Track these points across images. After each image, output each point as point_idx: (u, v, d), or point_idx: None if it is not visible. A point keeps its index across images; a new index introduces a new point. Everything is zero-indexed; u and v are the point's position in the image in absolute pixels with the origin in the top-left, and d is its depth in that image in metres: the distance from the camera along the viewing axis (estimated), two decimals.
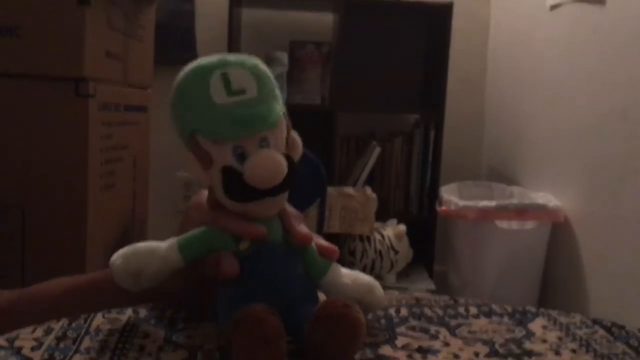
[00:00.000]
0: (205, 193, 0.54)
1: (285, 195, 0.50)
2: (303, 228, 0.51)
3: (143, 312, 0.56)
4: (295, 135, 0.52)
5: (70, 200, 1.14)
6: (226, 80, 0.48)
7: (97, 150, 1.19)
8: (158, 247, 0.49)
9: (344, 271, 0.54)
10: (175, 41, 2.45)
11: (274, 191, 0.48)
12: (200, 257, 0.50)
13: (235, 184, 0.47)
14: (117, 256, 0.49)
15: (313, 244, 0.52)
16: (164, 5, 2.16)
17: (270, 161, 0.47)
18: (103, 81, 1.20)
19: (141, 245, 0.50)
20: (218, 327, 0.51)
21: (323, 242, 0.52)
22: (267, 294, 0.48)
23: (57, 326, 0.52)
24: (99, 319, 0.54)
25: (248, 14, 2.49)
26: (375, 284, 0.55)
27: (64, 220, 1.13)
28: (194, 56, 2.25)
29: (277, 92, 0.51)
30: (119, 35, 1.30)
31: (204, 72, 0.48)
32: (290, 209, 0.52)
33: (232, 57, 0.50)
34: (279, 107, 0.50)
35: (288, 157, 0.49)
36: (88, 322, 0.53)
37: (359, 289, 0.53)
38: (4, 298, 0.61)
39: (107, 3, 1.22)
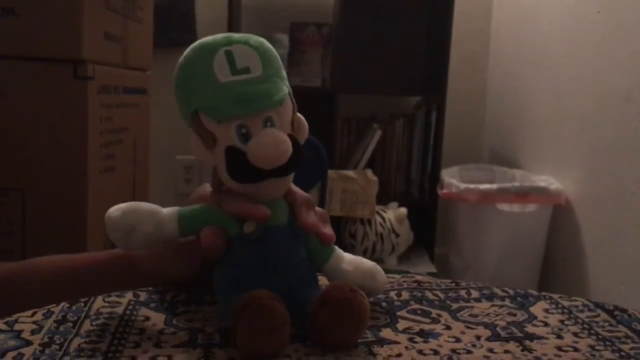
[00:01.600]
0: (207, 186, 0.53)
1: (291, 177, 0.50)
2: (310, 217, 0.50)
3: (143, 296, 0.56)
4: (300, 116, 0.51)
5: (70, 183, 1.13)
6: (230, 59, 0.47)
7: (97, 132, 1.18)
8: (158, 211, 0.49)
9: (347, 257, 0.54)
10: (175, 23, 2.42)
11: (279, 172, 0.47)
12: (196, 232, 0.49)
13: (239, 165, 0.47)
14: (116, 208, 0.49)
15: None
16: None
17: (275, 140, 0.46)
18: (102, 63, 1.19)
19: (142, 204, 0.49)
20: (219, 309, 0.51)
21: (322, 227, 0.51)
22: (271, 277, 0.48)
23: (57, 309, 0.52)
24: (99, 302, 0.54)
25: None
26: (378, 269, 0.55)
27: (64, 203, 1.13)
28: (194, 38, 2.23)
29: (283, 72, 0.50)
30: (117, 17, 1.29)
31: (209, 50, 0.48)
32: (300, 193, 0.52)
33: (237, 36, 0.49)
34: (285, 87, 0.49)
35: (293, 139, 0.48)
36: (88, 306, 0.53)
37: (361, 274, 0.53)
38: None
39: None
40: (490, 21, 2.62)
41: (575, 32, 1.95)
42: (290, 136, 0.47)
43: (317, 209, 0.53)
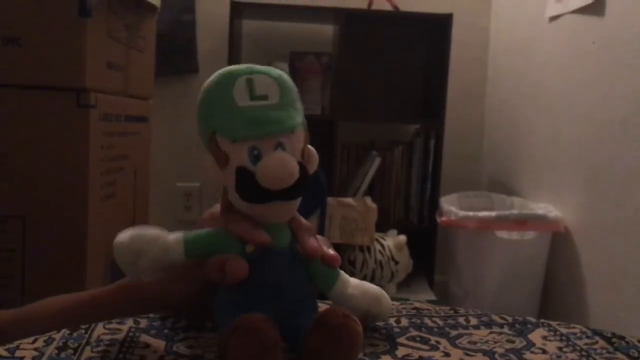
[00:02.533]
0: (218, 206, 0.54)
1: (297, 202, 0.51)
2: (313, 241, 0.51)
3: (144, 323, 0.56)
4: (312, 149, 0.53)
5: (71, 210, 1.14)
6: (250, 86, 0.50)
7: (98, 160, 1.19)
8: (164, 236, 0.50)
9: (352, 281, 0.54)
10: (177, 51, 2.46)
11: (285, 194, 0.48)
12: (203, 256, 0.50)
13: (248, 184, 0.48)
14: (124, 234, 0.49)
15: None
16: (165, 15, 2.17)
17: (282, 162, 0.48)
18: (104, 91, 1.20)
19: (149, 228, 0.50)
20: (218, 335, 0.51)
21: (326, 250, 0.52)
22: (269, 299, 0.49)
23: (58, 336, 0.52)
24: (99, 329, 0.54)
25: (249, 25, 2.50)
26: (383, 294, 0.55)
27: (64, 230, 1.13)
28: (195, 67, 2.26)
29: (299, 104, 0.53)
30: (120, 46, 1.31)
31: (231, 77, 0.50)
32: (302, 221, 0.53)
33: (259, 67, 0.52)
34: (299, 117, 0.51)
35: (302, 166, 0.49)
36: (89, 332, 0.53)
37: (367, 299, 0.54)
38: (1, 317, 0.61)
39: (108, 14, 1.23)
40: (487, 50, 2.66)
41: (571, 61, 1.98)
42: (299, 163, 0.49)
43: (318, 236, 0.54)
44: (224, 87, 0.50)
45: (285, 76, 0.52)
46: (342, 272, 0.54)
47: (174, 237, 0.50)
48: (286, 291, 0.49)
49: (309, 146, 0.52)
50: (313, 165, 0.52)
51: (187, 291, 0.54)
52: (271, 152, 0.48)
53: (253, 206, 0.49)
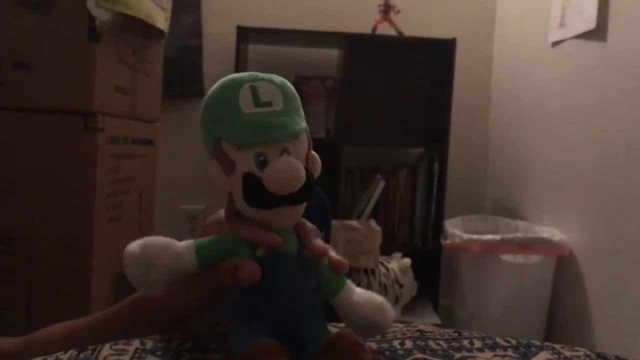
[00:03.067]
0: (222, 212, 0.55)
1: (302, 208, 0.51)
2: (319, 242, 0.52)
3: (150, 344, 0.56)
4: (315, 154, 0.53)
5: (77, 232, 1.14)
6: (255, 93, 0.50)
7: (105, 183, 1.20)
8: (175, 244, 0.50)
9: (358, 289, 0.54)
10: (183, 76, 2.48)
11: (292, 199, 0.49)
12: (214, 263, 0.50)
13: (255, 190, 0.48)
14: (135, 244, 0.49)
15: (326, 261, 0.52)
16: (172, 41, 2.20)
17: (290, 166, 0.48)
18: (111, 115, 1.22)
19: (159, 237, 0.50)
20: (229, 339, 0.51)
21: (334, 255, 0.53)
22: (279, 306, 0.49)
23: (65, 357, 0.52)
24: (106, 350, 0.54)
25: (254, 50, 2.53)
26: (387, 305, 0.55)
27: (70, 251, 1.14)
28: (201, 91, 2.27)
29: (301, 110, 0.53)
30: (127, 70, 1.32)
31: (235, 85, 0.51)
32: (308, 224, 0.53)
33: (262, 74, 0.52)
34: (302, 123, 0.52)
35: (307, 170, 0.50)
36: (95, 353, 0.53)
37: (372, 308, 0.53)
38: (9, 345, 0.61)
39: (117, 39, 1.25)
40: (490, 75, 2.68)
41: (573, 86, 1.99)
42: (304, 168, 0.49)
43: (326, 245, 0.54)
44: (228, 95, 0.50)
45: (288, 83, 0.53)
46: (348, 280, 0.54)
47: (185, 244, 0.50)
48: (296, 296, 0.49)
49: (312, 152, 0.53)
50: (317, 170, 0.53)
51: (200, 299, 0.55)
52: (277, 157, 0.49)
53: (259, 212, 0.49)
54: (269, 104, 0.50)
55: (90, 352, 0.54)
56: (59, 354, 0.53)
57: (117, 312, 0.59)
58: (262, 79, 0.51)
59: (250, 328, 0.46)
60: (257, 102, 0.50)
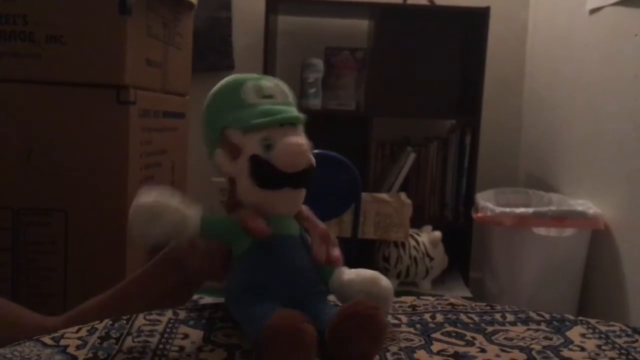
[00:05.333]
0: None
1: (303, 194, 0.55)
2: (323, 250, 0.56)
3: (182, 314, 0.57)
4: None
5: (111, 204, 1.16)
6: (258, 88, 0.57)
7: (137, 155, 1.21)
8: (184, 207, 0.53)
9: (347, 270, 0.57)
10: (213, 48, 2.48)
11: (295, 179, 0.53)
12: (214, 238, 0.55)
13: (263, 170, 0.53)
14: (147, 194, 0.52)
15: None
16: (201, 13, 2.20)
17: (298, 142, 0.53)
18: (143, 88, 1.23)
19: (171, 196, 0.53)
20: (229, 306, 0.54)
21: (331, 255, 0.57)
22: (282, 279, 0.52)
23: (101, 326, 0.53)
24: (140, 320, 0.55)
25: (284, 21, 2.51)
26: (380, 276, 0.58)
27: (105, 223, 1.16)
28: (231, 63, 2.28)
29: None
30: (158, 44, 1.33)
31: (239, 82, 0.57)
32: (320, 225, 0.57)
33: (260, 75, 0.59)
34: (301, 115, 0.58)
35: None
36: (130, 323, 0.54)
37: (364, 281, 0.56)
38: (49, 323, 0.64)
39: (147, 12, 1.25)
40: (525, 44, 2.62)
41: (612, 55, 1.93)
42: None
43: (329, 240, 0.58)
44: (233, 90, 0.56)
45: (285, 84, 0.60)
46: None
47: (193, 212, 0.53)
48: (299, 273, 0.53)
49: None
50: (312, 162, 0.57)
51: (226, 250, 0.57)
52: (283, 139, 0.53)
53: (263, 194, 0.53)
54: (271, 97, 0.57)
55: (124, 321, 0.55)
56: (94, 323, 0.54)
57: (152, 267, 0.63)
58: (264, 78, 0.58)
59: (261, 305, 0.49)
60: (260, 95, 0.56)
